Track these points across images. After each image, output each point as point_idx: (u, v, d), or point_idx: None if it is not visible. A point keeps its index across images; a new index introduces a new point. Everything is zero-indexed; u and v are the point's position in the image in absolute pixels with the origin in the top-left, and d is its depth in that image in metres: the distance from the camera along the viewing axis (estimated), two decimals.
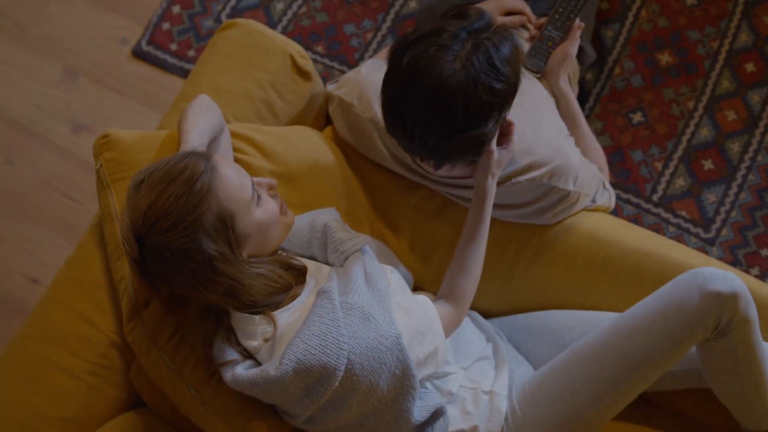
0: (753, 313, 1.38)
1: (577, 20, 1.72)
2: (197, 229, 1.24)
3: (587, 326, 1.57)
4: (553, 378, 1.46)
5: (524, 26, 1.82)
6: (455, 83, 1.30)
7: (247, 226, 1.30)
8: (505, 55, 1.33)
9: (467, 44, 1.31)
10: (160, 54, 2.26)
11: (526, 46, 1.77)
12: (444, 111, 1.32)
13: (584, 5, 1.73)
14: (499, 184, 1.51)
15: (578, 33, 1.71)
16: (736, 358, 1.41)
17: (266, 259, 1.35)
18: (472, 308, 1.67)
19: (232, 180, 1.29)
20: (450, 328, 1.45)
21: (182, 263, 1.25)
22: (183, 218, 1.23)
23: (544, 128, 1.57)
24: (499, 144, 1.45)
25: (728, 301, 1.35)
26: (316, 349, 1.27)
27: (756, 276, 1.97)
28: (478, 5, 1.81)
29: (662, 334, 1.37)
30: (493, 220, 1.60)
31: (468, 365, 1.52)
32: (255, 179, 1.35)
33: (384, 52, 1.77)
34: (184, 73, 2.23)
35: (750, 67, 2.11)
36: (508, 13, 1.79)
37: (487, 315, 1.70)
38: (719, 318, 1.36)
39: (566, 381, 1.43)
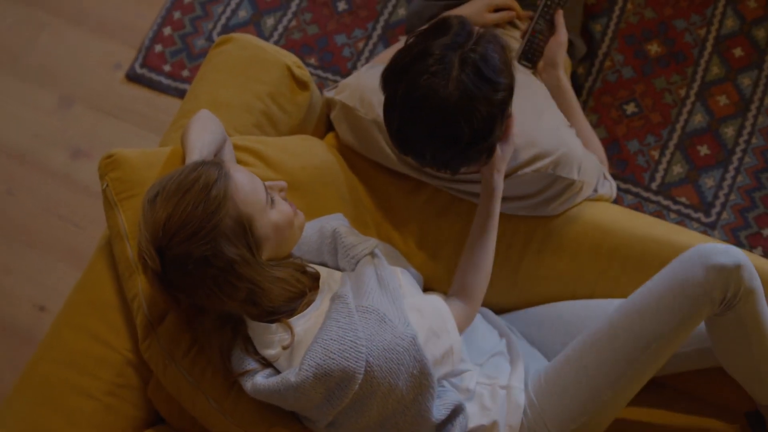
0: (757, 283, 1.40)
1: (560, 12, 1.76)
2: (217, 235, 1.25)
3: (598, 314, 1.58)
4: (567, 366, 1.47)
5: (512, 23, 1.84)
6: (454, 106, 1.32)
7: (264, 228, 1.32)
8: (495, 63, 1.34)
9: (455, 62, 1.33)
10: (154, 76, 2.28)
11: (515, 45, 1.79)
12: (450, 133, 1.35)
13: None
14: (505, 177, 1.52)
15: (562, 21, 1.75)
16: (744, 330, 1.42)
17: (284, 262, 1.36)
18: (483, 305, 1.68)
19: (246, 184, 1.31)
20: (463, 325, 1.46)
21: (204, 270, 1.26)
22: (203, 226, 1.25)
23: (545, 120, 1.59)
24: (500, 139, 1.47)
25: (732, 272, 1.36)
26: (335, 353, 1.27)
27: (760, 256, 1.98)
28: (463, 7, 1.84)
29: (671, 310, 1.39)
30: (499, 214, 1.61)
31: (483, 361, 1.53)
32: (266, 183, 1.37)
33: (382, 56, 1.80)
34: (179, 94, 2.24)
35: (738, 51, 2.13)
36: (497, 10, 1.81)
37: (498, 310, 1.70)
38: (725, 291, 1.37)
39: (581, 366, 1.44)
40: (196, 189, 1.26)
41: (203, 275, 1.27)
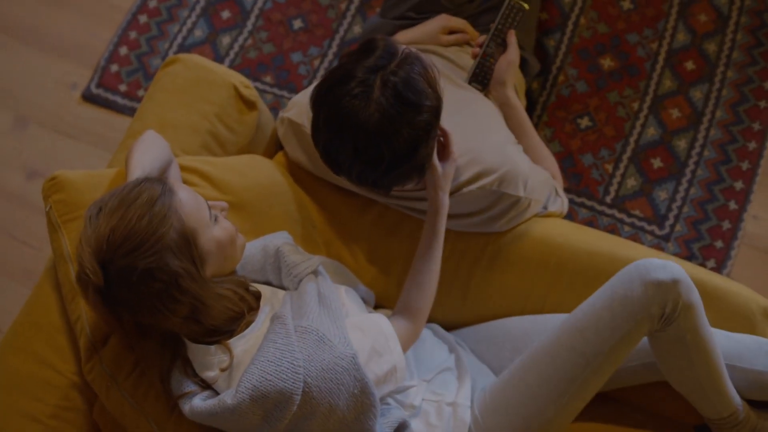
0: (696, 298, 1.42)
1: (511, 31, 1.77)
2: (162, 248, 1.25)
3: (547, 329, 1.58)
4: (511, 383, 1.47)
5: (468, 43, 1.86)
6: (374, 128, 1.33)
7: (208, 243, 1.32)
8: (416, 85, 1.35)
9: (375, 85, 1.34)
10: (110, 96, 2.27)
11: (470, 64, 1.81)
12: (372, 155, 1.36)
13: (522, 19, 1.77)
14: (450, 194, 1.53)
15: (514, 40, 1.76)
16: (685, 345, 1.43)
17: (227, 279, 1.36)
18: (433, 320, 1.69)
19: (190, 200, 1.32)
20: (408, 343, 1.46)
21: (148, 284, 1.26)
22: (147, 238, 1.25)
23: (490, 137, 1.60)
24: (440, 157, 1.48)
25: (670, 288, 1.38)
26: (271, 375, 1.27)
27: (712, 268, 2.00)
28: (417, 27, 1.86)
29: (610, 327, 1.40)
30: (448, 231, 1.61)
31: (430, 377, 1.53)
32: (209, 202, 1.37)
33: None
34: (134, 113, 2.24)
35: (690, 65, 2.16)
36: (452, 32, 1.83)
37: (448, 326, 1.71)
38: (663, 306, 1.39)
39: (524, 384, 1.45)
40: (139, 203, 1.26)
41: (147, 289, 1.26)
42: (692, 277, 1.57)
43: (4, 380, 1.53)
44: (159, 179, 1.33)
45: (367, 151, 1.35)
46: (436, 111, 1.38)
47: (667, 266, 1.40)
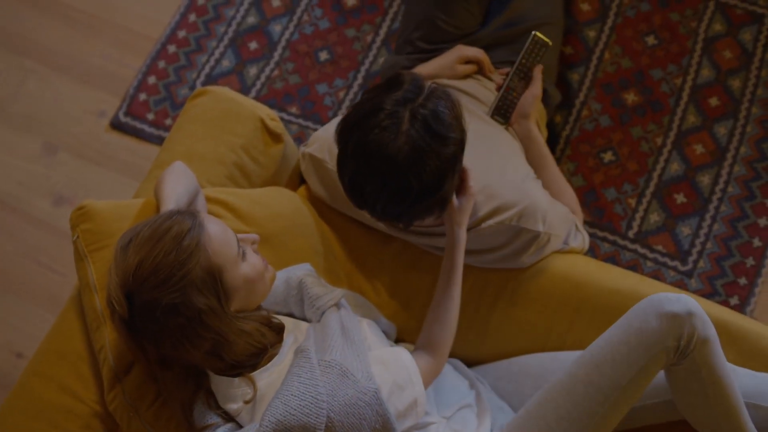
0: (712, 333, 1.41)
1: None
2: (187, 284, 1.27)
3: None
4: (529, 419, 1.46)
5: (482, 73, 1.88)
6: (403, 160, 1.35)
7: (235, 280, 1.33)
8: (444, 119, 1.36)
9: (404, 117, 1.35)
10: (137, 124, 2.30)
11: (491, 97, 1.82)
12: (399, 187, 1.37)
13: (545, 55, 1.79)
14: (468, 229, 1.53)
15: (539, 75, 1.77)
16: (701, 380, 1.42)
17: (251, 315, 1.37)
18: (454, 356, 1.69)
19: (219, 236, 1.33)
20: (429, 378, 1.46)
21: (172, 318, 1.27)
22: (173, 273, 1.26)
23: (509, 172, 1.61)
24: (458, 192, 1.49)
25: (684, 320, 1.38)
26: (295, 409, 1.27)
27: (735, 305, 1.98)
28: (434, 60, 1.88)
29: (627, 361, 1.39)
30: (469, 267, 1.62)
31: (450, 414, 1.53)
32: (239, 236, 1.38)
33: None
34: (161, 142, 2.27)
35: (714, 101, 2.15)
36: (468, 62, 1.85)
37: (469, 363, 1.70)
38: (678, 338, 1.38)
39: (543, 421, 1.44)
40: (168, 237, 1.28)
41: (170, 323, 1.28)
42: (715, 317, 1.57)
43: (27, 406, 1.54)
44: (191, 212, 1.34)
45: (395, 184, 1.36)
46: (461, 144, 1.39)
47: (681, 299, 1.40)
